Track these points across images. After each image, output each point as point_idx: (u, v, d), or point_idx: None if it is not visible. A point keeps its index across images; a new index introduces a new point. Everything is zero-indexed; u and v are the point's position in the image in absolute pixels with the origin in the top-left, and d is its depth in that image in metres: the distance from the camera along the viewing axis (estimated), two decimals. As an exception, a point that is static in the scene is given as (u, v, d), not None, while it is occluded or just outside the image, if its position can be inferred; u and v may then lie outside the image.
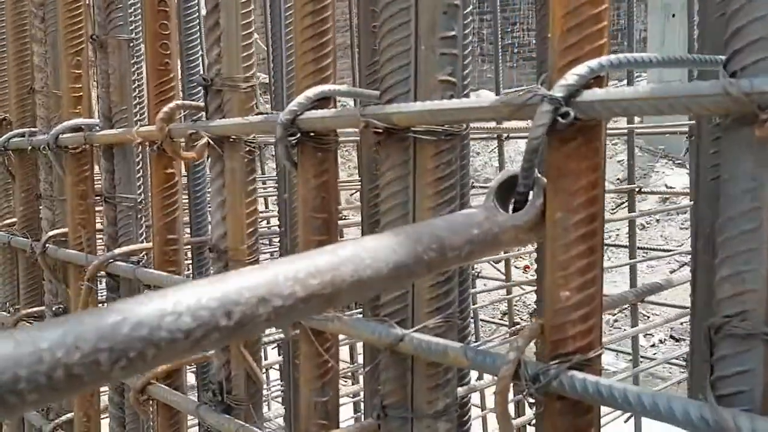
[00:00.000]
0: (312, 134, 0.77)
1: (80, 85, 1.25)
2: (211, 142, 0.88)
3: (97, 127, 1.20)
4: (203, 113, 0.97)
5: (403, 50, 0.68)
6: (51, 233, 1.35)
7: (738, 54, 0.45)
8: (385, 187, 0.70)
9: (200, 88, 0.96)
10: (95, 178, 1.28)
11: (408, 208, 0.69)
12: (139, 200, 1.16)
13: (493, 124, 2.55)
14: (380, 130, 0.68)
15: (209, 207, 1.13)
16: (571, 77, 0.51)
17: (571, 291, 0.55)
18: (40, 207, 1.45)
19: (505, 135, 2.69)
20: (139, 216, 1.16)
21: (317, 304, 0.42)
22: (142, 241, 1.18)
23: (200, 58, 1.16)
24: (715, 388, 0.48)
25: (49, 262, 1.36)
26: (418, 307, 0.69)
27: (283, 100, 1.35)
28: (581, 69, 0.52)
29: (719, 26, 0.71)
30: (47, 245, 1.34)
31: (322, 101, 0.77)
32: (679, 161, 7.86)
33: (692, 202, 0.75)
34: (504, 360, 0.56)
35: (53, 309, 1.37)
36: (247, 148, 0.90)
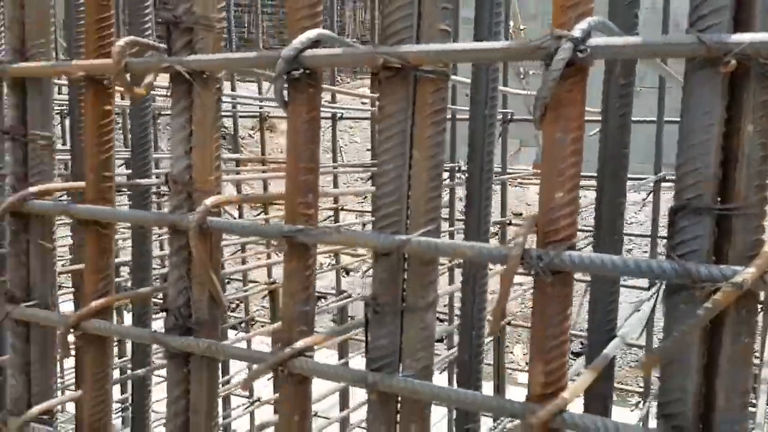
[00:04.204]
0: (308, 72, 0.86)
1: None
2: (188, 77, 0.92)
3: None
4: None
5: (409, 1, 0.81)
6: None
7: (702, 18, 0.66)
8: (387, 118, 0.82)
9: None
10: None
11: (406, 136, 0.82)
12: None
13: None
14: (390, 67, 0.80)
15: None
16: (584, 24, 0.69)
17: (564, 192, 0.73)
18: None
19: (339, 114, 2.89)
20: (54, 154, 1.12)
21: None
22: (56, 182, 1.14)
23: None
24: (675, 251, 0.69)
25: None
26: (415, 216, 0.82)
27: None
28: (588, 21, 0.69)
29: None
30: None
31: (315, 43, 0.86)
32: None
33: (600, 132, 0.98)
34: (512, 247, 0.72)
35: None
36: (218, 85, 0.95)
